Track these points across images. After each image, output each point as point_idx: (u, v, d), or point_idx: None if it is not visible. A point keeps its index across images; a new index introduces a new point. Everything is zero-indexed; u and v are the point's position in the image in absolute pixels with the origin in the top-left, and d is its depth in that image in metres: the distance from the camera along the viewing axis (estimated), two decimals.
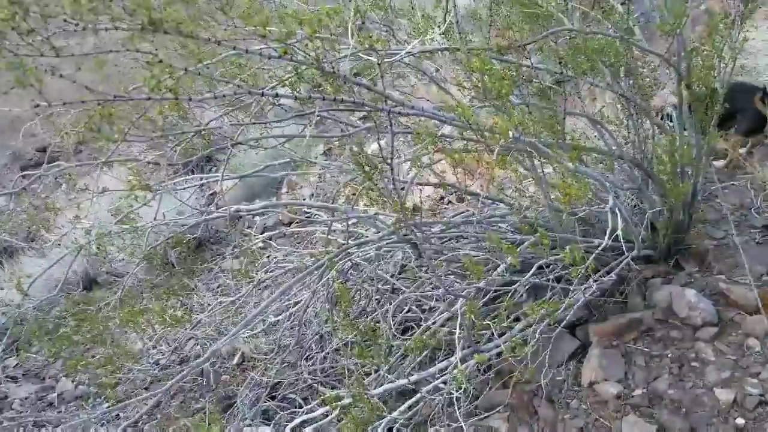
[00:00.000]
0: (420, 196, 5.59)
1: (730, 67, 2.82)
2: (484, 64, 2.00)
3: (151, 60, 1.34)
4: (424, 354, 3.09)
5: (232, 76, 2.37)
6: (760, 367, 2.72)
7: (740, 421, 2.53)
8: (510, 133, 1.69)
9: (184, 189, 3.16)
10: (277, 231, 5.55)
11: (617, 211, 2.19)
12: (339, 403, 2.34)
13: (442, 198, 6.27)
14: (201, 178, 3.04)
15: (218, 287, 6.07)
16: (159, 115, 2.09)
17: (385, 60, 2.38)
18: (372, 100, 1.84)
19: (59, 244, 3.20)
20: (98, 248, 2.84)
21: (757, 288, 3.11)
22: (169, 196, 3.30)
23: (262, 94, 1.63)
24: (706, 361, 2.83)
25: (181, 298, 6.03)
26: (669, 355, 2.92)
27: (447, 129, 2.83)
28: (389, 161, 2.10)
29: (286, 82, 2.38)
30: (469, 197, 3.31)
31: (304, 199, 6.59)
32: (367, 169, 2.56)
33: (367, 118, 2.82)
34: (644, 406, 2.74)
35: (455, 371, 2.45)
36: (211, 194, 8.72)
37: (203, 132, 2.25)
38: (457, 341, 2.47)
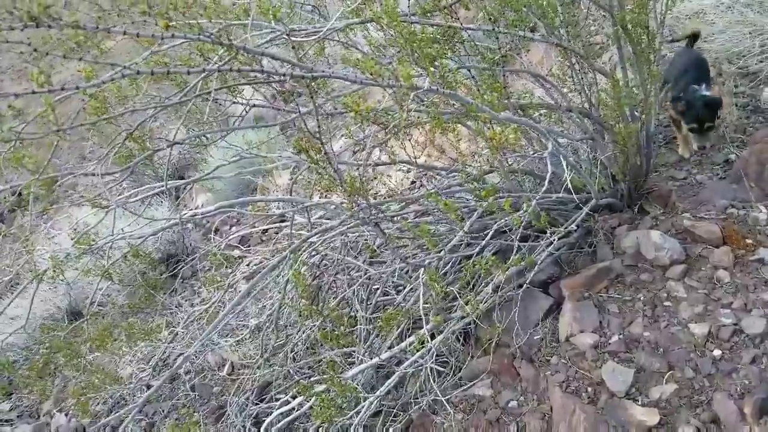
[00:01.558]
0: (388, 184, 5.59)
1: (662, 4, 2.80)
2: (401, 28, 1.97)
3: (37, 55, 1.30)
4: (399, 329, 3.07)
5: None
6: (732, 297, 2.71)
7: (717, 352, 2.52)
8: (413, 80, 1.65)
9: (132, 202, 3.10)
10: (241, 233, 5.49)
11: (561, 159, 2.16)
12: (315, 390, 2.31)
13: (413, 183, 6.25)
14: (150, 189, 2.97)
15: (200, 301, 6.02)
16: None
17: (309, 38, 2.35)
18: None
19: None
20: (54, 272, 2.77)
21: (722, 221, 3.11)
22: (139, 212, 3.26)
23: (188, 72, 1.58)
24: (678, 299, 2.82)
25: (165, 316, 6.01)
26: (641, 299, 2.90)
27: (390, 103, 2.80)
28: (320, 138, 2.06)
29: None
30: (426, 172, 3.27)
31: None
32: (312, 154, 2.53)
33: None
34: (622, 351, 2.72)
35: (430, 345, 2.43)
36: (186, 221, 8.64)
37: (134, 134, 2.20)
38: (422, 312, 2.44)
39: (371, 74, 1.68)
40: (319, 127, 1.95)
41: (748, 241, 2.94)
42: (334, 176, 2.63)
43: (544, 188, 2.18)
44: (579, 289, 3.04)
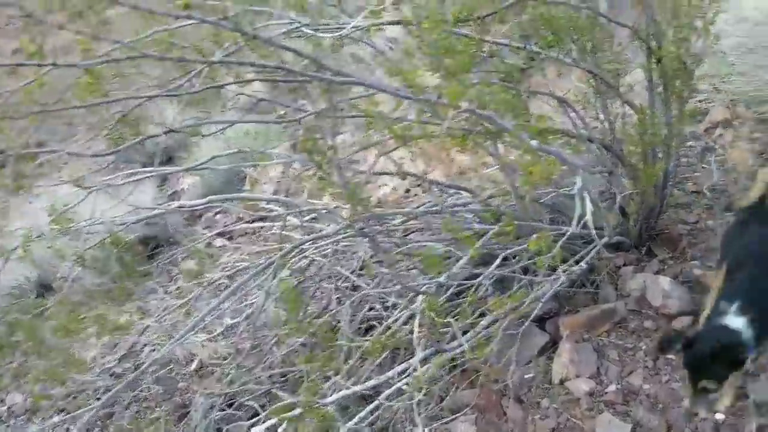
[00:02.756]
0: (382, 191, 5.39)
1: (702, 39, 2.65)
2: (438, 34, 1.79)
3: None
4: (384, 356, 2.88)
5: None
6: None
7: (719, 416, 2.37)
8: (461, 102, 1.48)
9: (122, 184, 2.89)
10: (227, 228, 5.28)
11: (585, 195, 1.99)
12: (287, 415, 2.12)
13: (407, 191, 6.08)
14: (137, 174, 2.77)
15: (176, 289, 5.78)
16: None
17: (331, 35, 2.17)
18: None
19: None
20: (24, 251, 2.56)
21: None
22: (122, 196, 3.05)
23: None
24: None
25: (139, 303, 5.77)
26: (643, 348, 2.76)
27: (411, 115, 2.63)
28: (332, 144, 1.88)
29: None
30: (430, 186, 3.10)
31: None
32: (317, 157, 2.35)
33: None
34: (619, 403, 2.57)
35: (415, 374, 2.25)
36: (172, 194, 8.44)
37: (126, 117, 2.00)
38: (416, 341, 2.26)
39: (410, 86, 1.50)
40: (333, 134, 1.77)
41: None
42: (337, 182, 2.46)
43: (571, 230, 2.01)
44: (579, 330, 2.88)
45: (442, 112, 1.59)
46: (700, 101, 4.78)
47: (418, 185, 5.83)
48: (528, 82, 2.65)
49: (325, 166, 2.36)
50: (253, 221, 6.89)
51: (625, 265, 3.19)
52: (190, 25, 1.80)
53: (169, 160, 8.56)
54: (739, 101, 4.60)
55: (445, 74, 1.97)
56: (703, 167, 4.15)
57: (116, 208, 3.52)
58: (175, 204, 2.73)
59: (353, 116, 2.45)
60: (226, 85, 2.30)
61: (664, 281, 2.88)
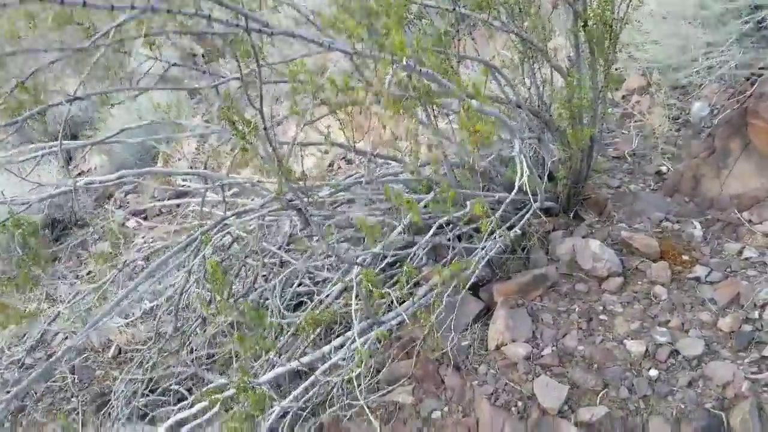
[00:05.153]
0: (303, 161, 5.25)
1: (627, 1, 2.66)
2: None
3: None
4: (317, 331, 2.79)
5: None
6: (669, 315, 2.62)
7: (653, 372, 2.41)
8: (402, 58, 1.39)
9: (23, 161, 2.64)
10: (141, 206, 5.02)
11: (523, 158, 1.95)
12: (220, 396, 1.99)
13: (330, 164, 5.96)
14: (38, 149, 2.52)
15: (87, 274, 5.46)
16: None
17: None
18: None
19: None
20: None
21: (657, 234, 3.04)
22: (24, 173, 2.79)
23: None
24: (614, 313, 2.71)
25: (45, 289, 5.41)
26: (576, 310, 2.78)
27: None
28: (260, 110, 1.74)
29: None
30: (359, 157, 3.00)
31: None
32: (240, 126, 2.20)
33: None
34: (555, 365, 2.57)
35: (354, 347, 2.17)
36: (78, 174, 7.99)
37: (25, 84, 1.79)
38: (353, 314, 2.17)
39: (350, 37, 1.39)
40: (261, 97, 1.63)
41: (685, 257, 2.87)
42: (263, 153, 2.32)
43: (513, 192, 1.96)
44: (513, 296, 2.87)
45: (381, 68, 1.49)
46: (617, 69, 4.88)
47: (343, 158, 5.73)
48: (456, 46, 2.58)
49: (249, 137, 2.22)
50: (168, 199, 6.61)
51: (554, 230, 3.21)
52: None
53: (73, 138, 8.09)
54: (654, 68, 4.72)
55: (376, 34, 1.87)
56: (622, 133, 4.24)
57: (17, 187, 3.24)
58: (84, 180, 2.50)
59: (277, 82, 2.31)
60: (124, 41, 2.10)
61: (594, 244, 2.91)
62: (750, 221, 3.03)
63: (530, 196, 2.35)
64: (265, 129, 1.78)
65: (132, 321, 4.33)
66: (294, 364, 2.28)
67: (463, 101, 1.61)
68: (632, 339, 2.56)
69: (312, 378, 2.35)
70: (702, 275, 2.76)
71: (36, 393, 4.40)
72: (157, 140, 6.62)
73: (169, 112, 3.13)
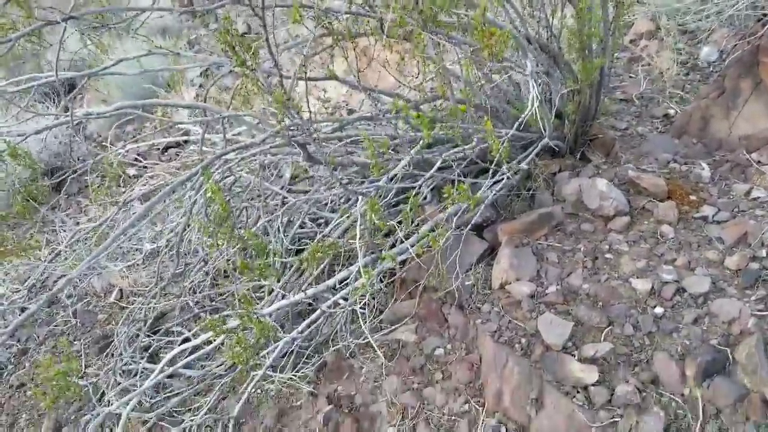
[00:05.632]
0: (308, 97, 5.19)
1: None
2: None
3: None
4: (320, 268, 2.76)
5: None
6: (675, 254, 2.59)
7: (659, 310, 2.39)
8: None
9: (13, 91, 2.56)
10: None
11: (533, 83, 1.89)
12: (224, 327, 1.97)
13: (332, 114, 5.88)
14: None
15: (88, 220, 5.43)
16: None
17: None
18: None
19: None
20: None
21: (665, 175, 3.00)
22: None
23: None
24: (620, 252, 2.68)
25: (46, 234, 5.39)
26: (582, 249, 2.75)
27: (336, 3, 2.43)
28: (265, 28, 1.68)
29: None
30: (366, 92, 2.92)
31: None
32: (239, 52, 2.13)
33: None
34: (559, 303, 2.55)
35: (359, 281, 2.14)
36: (77, 123, 7.89)
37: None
38: (358, 246, 2.14)
39: None
40: (263, 20, 1.57)
41: (692, 197, 2.83)
42: (264, 84, 2.26)
43: (522, 119, 1.90)
44: (517, 235, 2.84)
45: None
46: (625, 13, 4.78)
47: (350, 96, 5.65)
48: None
49: (251, 64, 2.15)
50: (168, 148, 6.55)
51: (560, 170, 3.17)
52: None
53: (71, 89, 7.99)
54: (662, 13, 4.61)
55: None
56: (630, 76, 4.16)
57: (14, 122, 3.18)
58: (81, 111, 2.44)
59: (279, 6, 2.23)
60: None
61: (601, 183, 2.87)
62: (759, 162, 2.98)
63: (540, 127, 2.29)
64: (270, 52, 1.71)
65: (134, 264, 4.32)
66: (298, 296, 2.25)
67: (476, 14, 1.54)
68: (638, 277, 2.54)
69: (318, 311, 2.33)
70: (709, 215, 2.72)
71: (38, 336, 4.42)
72: (157, 81, 6.52)
73: (167, 56, 3.04)
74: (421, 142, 2.23)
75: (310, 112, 2.68)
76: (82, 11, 1.90)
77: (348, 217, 2.71)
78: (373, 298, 3.05)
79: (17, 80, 2.51)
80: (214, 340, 2.15)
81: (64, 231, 5.25)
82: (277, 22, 2.91)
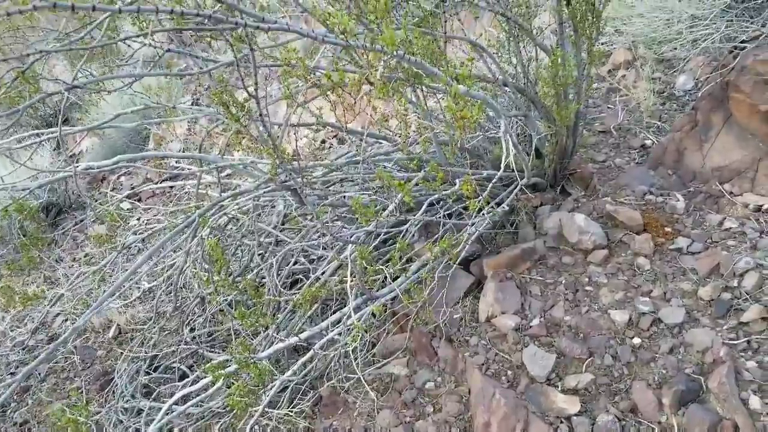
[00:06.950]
0: (297, 142, 5.30)
1: None
2: None
3: None
4: (314, 308, 2.88)
5: None
6: (651, 285, 2.72)
7: (636, 340, 2.52)
8: (394, 48, 1.45)
9: (20, 147, 2.69)
10: (137, 189, 5.07)
11: (508, 138, 2.03)
12: (223, 372, 2.09)
13: (323, 142, 6.02)
14: (37, 135, 2.57)
15: (84, 256, 5.54)
16: None
17: None
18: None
19: None
20: None
21: (641, 207, 3.14)
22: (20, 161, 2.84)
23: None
24: (599, 284, 2.81)
25: (43, 272, 5.49)
26: (563, 282, 2.88)
27: (323, 63, 2.57)
28: (255, 96, 1.81)
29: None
30: (350, 137, 3.06)
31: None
32: (233, 109, 2.27)
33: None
34: (543, 335, 2.68)
35: (350, 322, 2.26)
36: (70, 156, 8.03)
37: (25, 74, 1.84)
38: (349, 290, 2.26)
39: (343, 33, 1.45)
40: (256, 84, 1.70)
41: (667, 229, 2.97)
42: (256, 135, 2.39)
43: (500, 171, 2.04)
44: (502, 269, 2.97)
45: (372, 59, 1.56)
46: (602, 44, 4.95)
47: (335, 136, 5.79)
48: (442, 26, 2.63)
49: (243, 119, 2.28)
50: (162, 182, 6.66)
51: (541, 204, 3.30)
52: None
53: (64, 122, 8.14)
54: (639, 42, 4.78)
55: (366, 19, 1.93)
56: (608, 107, 4.32)
57: (13, 175, 3.29)
58: (82, 165, 2.56)
59: (270, 65, 2.37)
60: (130, 38, 2.16)
61: (579, 218, 3.00)
62: (731, 193, 3.12)
63: (517, 173, 2.43)
64: (260, 115, 1.84)
65: (131, 302, 4.42)
66: (293, 339, 2.37)
67: (450, 86, 1.68)
68: (616, 309, 2.66)
69: (310, 352, 2.44)
70: (684, 246, 2.86)
71: (40, 374, 4.50)
72: (150, 124, 6.62)
73: (161, 96, 3.18)
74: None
75: (298, 156, 2.81)
76: (82, 80, 2.03)
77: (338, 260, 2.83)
78: (366, 332, 3.16)
79: (20, 137, 2.63)
80: (214, 383, 2.25)
81: (61, 268, 5.36)
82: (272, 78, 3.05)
